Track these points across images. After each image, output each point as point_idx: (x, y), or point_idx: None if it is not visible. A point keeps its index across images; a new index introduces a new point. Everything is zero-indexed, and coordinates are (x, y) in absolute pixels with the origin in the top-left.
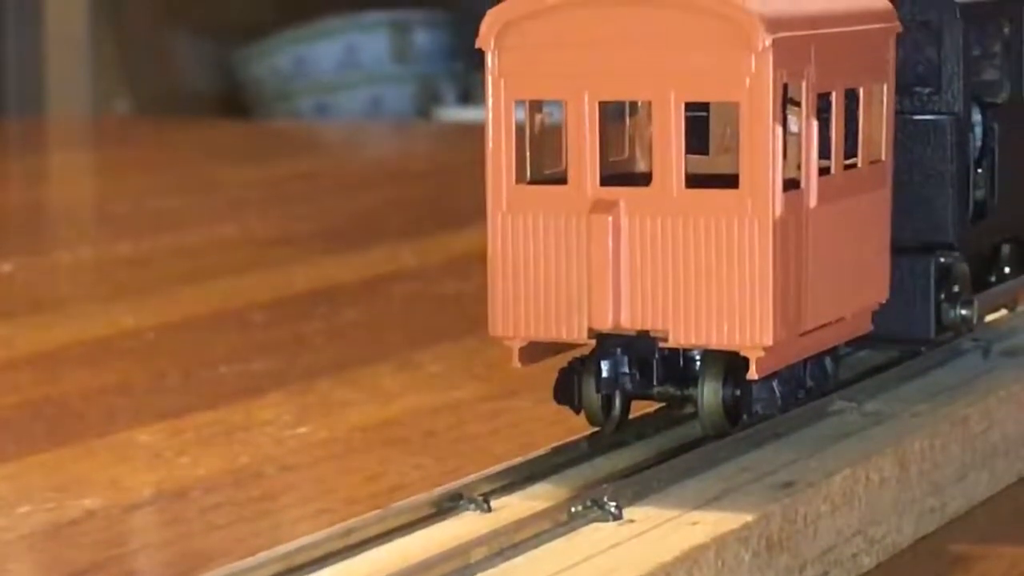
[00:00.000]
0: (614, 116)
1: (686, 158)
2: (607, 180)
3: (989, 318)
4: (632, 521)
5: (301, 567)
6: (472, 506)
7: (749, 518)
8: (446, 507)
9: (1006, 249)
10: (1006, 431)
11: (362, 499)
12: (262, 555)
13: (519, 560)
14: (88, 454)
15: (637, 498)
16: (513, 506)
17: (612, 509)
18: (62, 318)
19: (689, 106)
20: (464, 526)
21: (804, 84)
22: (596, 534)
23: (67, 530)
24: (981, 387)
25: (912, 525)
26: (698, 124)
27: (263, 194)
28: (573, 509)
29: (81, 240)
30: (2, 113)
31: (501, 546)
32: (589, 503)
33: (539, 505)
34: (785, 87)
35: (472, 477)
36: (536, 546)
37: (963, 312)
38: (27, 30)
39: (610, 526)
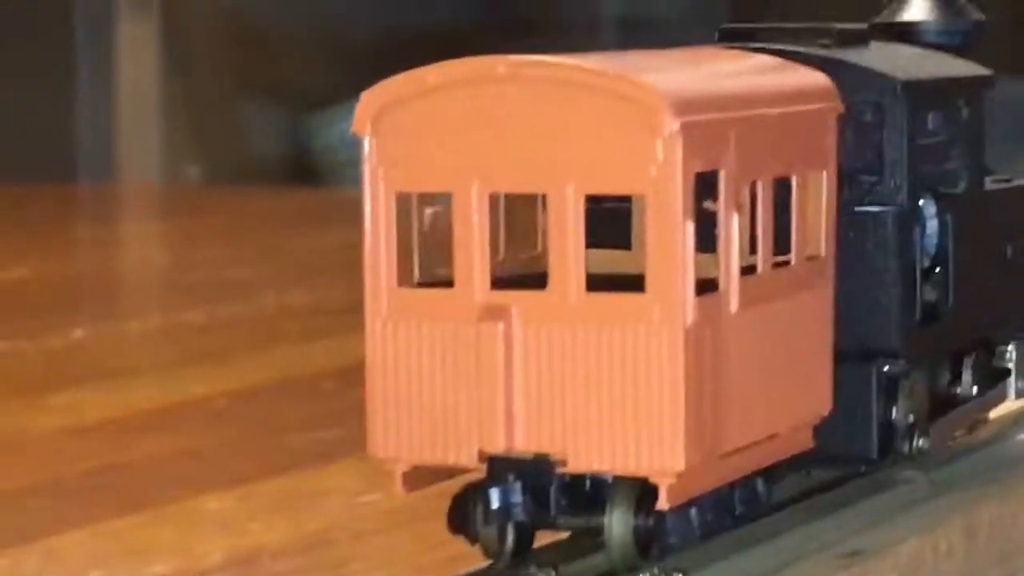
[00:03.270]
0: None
1: (603, 254)
2: (500, 283)
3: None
4: None
5: None
6: None
7: None
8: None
9: (969, 360)
10: None
11: (430, 567)
12: None
13: None
14: (158, 521)
15: None
16: None
17: None
18: (132, 385)
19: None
20: None
21: (722, 173)
22: None
23: None
24: None
25: None
26: (620, 213)
27: (332, 261)
28: None
29: (151, 308)
30: (73, 179)
31: None
32: None
33: None
34: (699, 177)
35: None
36: None
37: (914, 436)
38: (99, 96)
39: None
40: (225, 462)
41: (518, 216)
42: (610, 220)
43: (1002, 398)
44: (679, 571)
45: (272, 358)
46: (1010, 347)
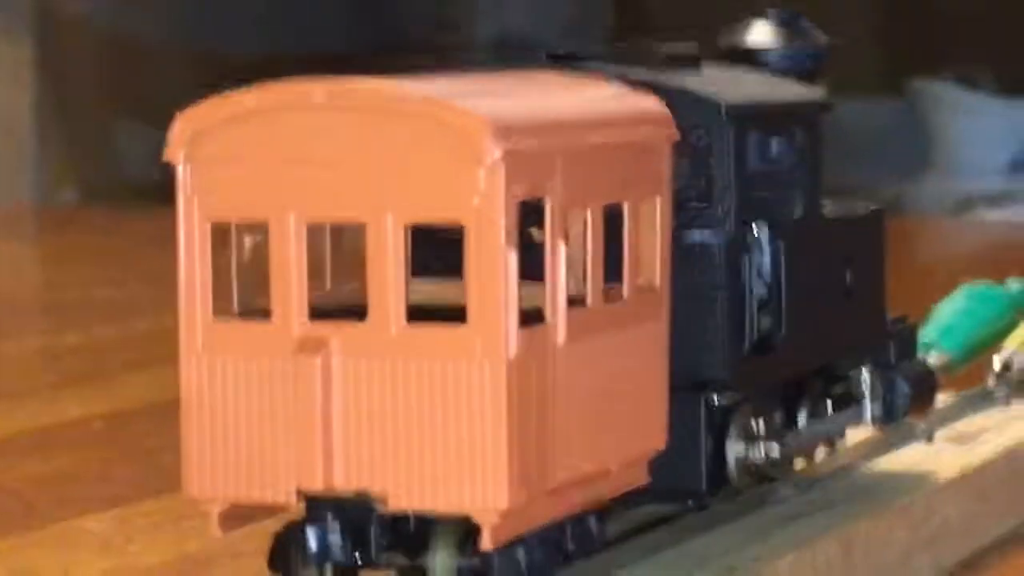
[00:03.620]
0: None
1: (439, 285)
2: (324, 314)
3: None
4: None
5: None
6: None
7: None
8: None
9: (814, 388)
10: (949, 516)
11: None
12: None
13: None
14: (38, 542)
15: None
16: None
17: None
18: (9, 407)
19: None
20: None
21: (548, 201)
22: None
23: None
24: (925, 472)
25: None
26: (454, 241)
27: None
28: None
29: (27, 329)
30: None
31: None
32: None
33: None
34: (524, 205)
35: None
36: None
37: (771, 455)
38: None
39: None
40: (104, 483)
41: (351, 244)
42: (448, 248)
43: (855, 423)
44: None
45: (148, 379)
46: (863, 372)
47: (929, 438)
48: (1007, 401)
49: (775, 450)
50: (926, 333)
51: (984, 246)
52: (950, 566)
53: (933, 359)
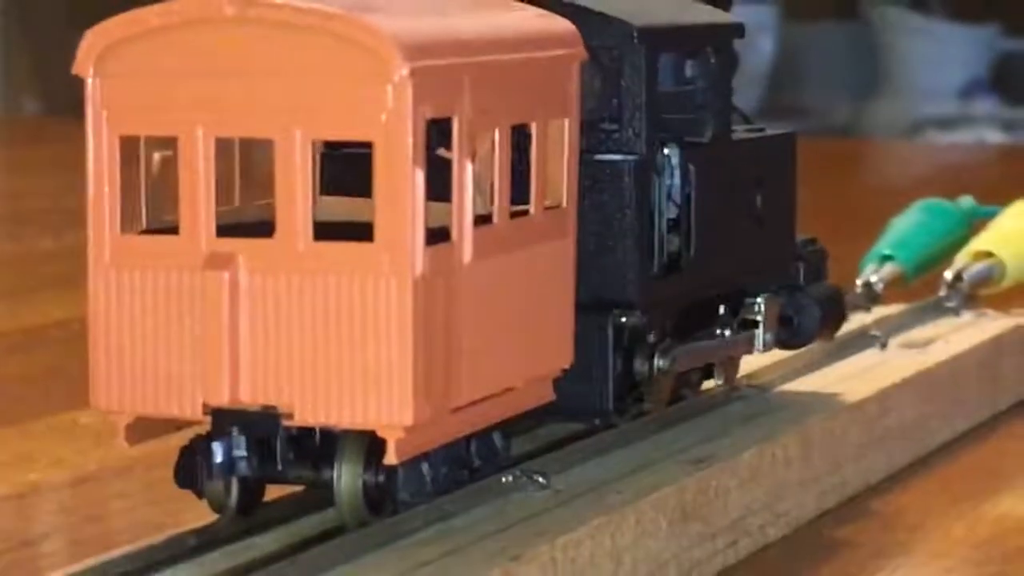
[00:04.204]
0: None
1: (347, 202)
2: (232, 230)
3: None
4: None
5: None
6: None
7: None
8: None
9: (722, 310)
10: (903, 416)
11: None
12: None
13: None
14: (33, 434)
15: None
16: None
17: None
18: None
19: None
20: None
21: (456, 120)
22: None
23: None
24: (879, 375)
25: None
26: (362, 159)
27: None
28: None
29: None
30: None
31: None
32: None
33: None
34: (432, 124)
35: None
36: None
37: (658, 365)
38: None
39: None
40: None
41: (260, 160)
42: (356, 164)
43: (748, 348)
44: (539, 474)
45: None
46: (759, 299)
47: (883, 344)
48: (958, 311)
49: (674, 368)
50: (882, 245)
51: (935, 168)
52: (901, 464)
53: (888, 271)
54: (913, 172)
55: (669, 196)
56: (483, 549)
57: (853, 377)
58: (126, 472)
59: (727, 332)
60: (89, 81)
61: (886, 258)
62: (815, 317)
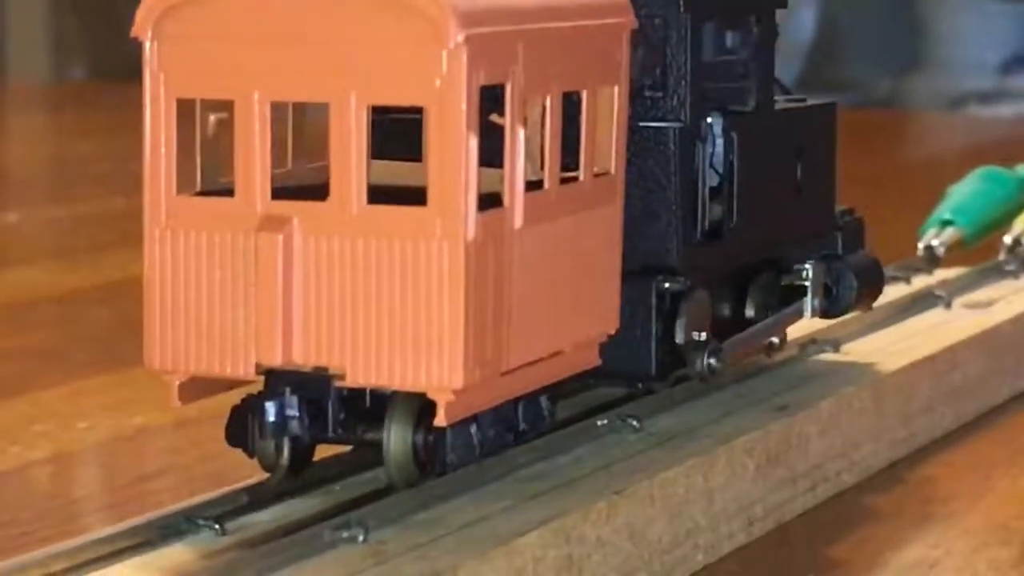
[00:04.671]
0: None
1: (397, 167)
2: (284, 193)
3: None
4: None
5: None
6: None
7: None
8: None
9: (763, 278)
10: (968, 372)
11: None
12: None
13: None
14: (131, 380)
15: None
16: None
17: None
18: (78, 263)
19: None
20: None
21: (508, 86)
22: None
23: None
24: (945, 333)
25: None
26: (412, 125)
27: None
28: None
29: (75, 196)
30: None
31: None
32: None
33: None
34: (485, 90)
35: None
36: None
37: (700, 354)
38: None
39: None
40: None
41: (313, 125)
42: (406, 132)
43: (797, 317)
44: (632, 418)
45: None
46: (807, 266)
47: (948, 304)
48: (1017, 274)
49: (728, 338)
50: (942, 211)
51: (977, 140)
52: (966, 419)
53: (949, 235)
54: (956, 144)
55: (711, 164)
56: (588, 484)
57: (920, 334)
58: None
59: (768, 303)
60: (147, 44)
61: (946, 223)
62: (853, 286)
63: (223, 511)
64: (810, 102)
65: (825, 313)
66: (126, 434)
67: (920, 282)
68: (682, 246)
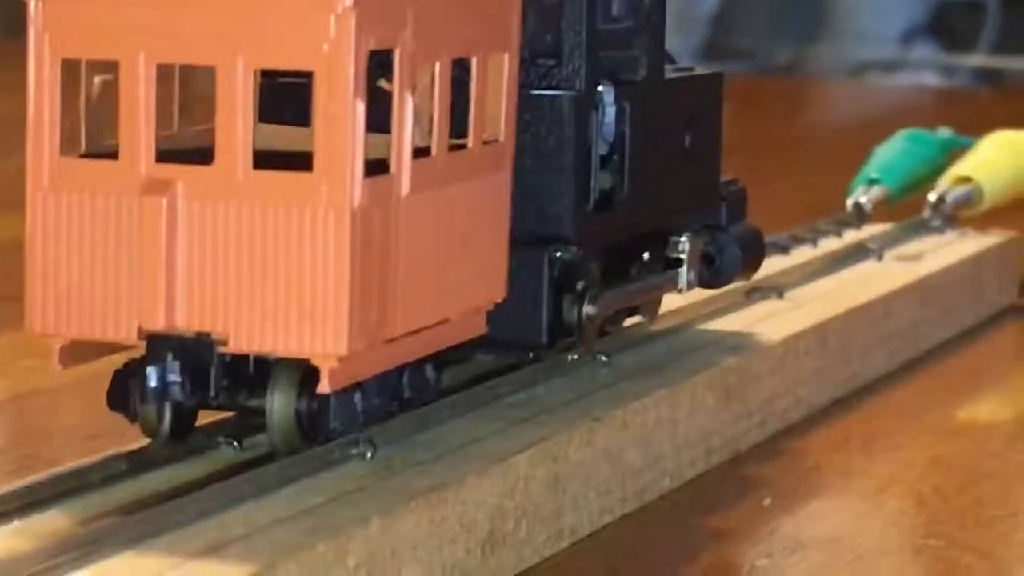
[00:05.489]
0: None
1: (287, 131)
2: (170, 156)
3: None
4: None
5: None
6: None
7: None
8: None
9: (649, 248)
10: (901, 319)
11: None
12: None
13: None
14: None
15: None
16: None
17: None
18: None
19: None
20: None
21: (398, 52)
22: None
23: None
24: (879, 283)
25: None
26: (301, 89)
27: None
28: None
29: None
30: None
31: None
32: None
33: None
34: (373, 55)
35: None
36: None
37: (587, 311)
38: None
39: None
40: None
41: (200, 87)
42: (295, 94)
43: (672, 288)
44: (603, 354)
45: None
46: (683, 238)
47: (879, 256)
48: (942, 229)
49: (603, 308)
50: (869, 169)
51: (878, 108)
52: (900, 362)
53: (876, 193)
54: (856, 111)
55: (602, 133)
56: (568, 411)
57: (856, 283)
58: None
59: (651, 272)
60: (32, 4)
61: (873, 181)
62: (736, 257)
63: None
64: (697, 71)
65: (706, 284)
66: None
67: (851, 236)
68: (575, 216)
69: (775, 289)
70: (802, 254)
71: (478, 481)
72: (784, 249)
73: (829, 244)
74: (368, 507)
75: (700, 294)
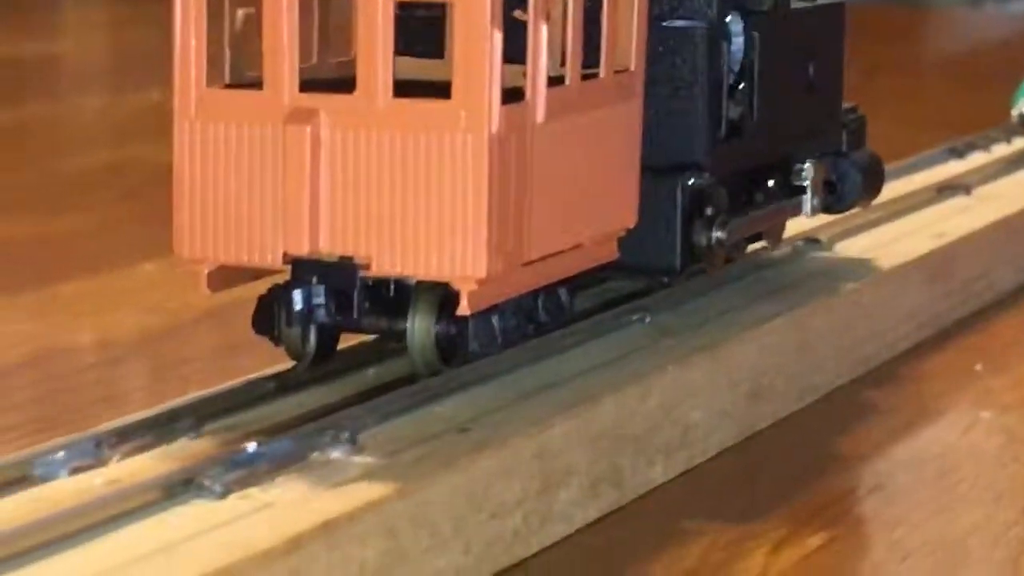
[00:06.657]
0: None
1: (420, 63)
2: (311, 86)
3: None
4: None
5: None
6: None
7: None
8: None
9: (774, 174)
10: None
11: None
12: None
13: None
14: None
15: None
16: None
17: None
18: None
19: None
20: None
21: None
22: None
23: None
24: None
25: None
26: (433, 23)
27: None
28: None
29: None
30: None
31: None
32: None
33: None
34: None
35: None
36: None
37: (717, 236)
38: None
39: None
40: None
41: (337, 19)
42: (427, 28)
43: (796, 213)
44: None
45: None
46: (807, 165)
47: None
48: None
49: (732, 233)
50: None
51: (1011, 34)
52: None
53: None
54: (985, 36)
55: (732, 63)
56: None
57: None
58: None
59: (776, 199)
60: None
61: None
62: (857, 182)
63: None
64: (821, 1)
65: (828, 209)
66: None
67: (1018, 143)
68: (707, 143)
69: (963, 187)
70: (976, 159)
71: (739, 346)
72: (961, 154)
73: (1000, 150)
74: (657, 360)
75: (895, 191)
